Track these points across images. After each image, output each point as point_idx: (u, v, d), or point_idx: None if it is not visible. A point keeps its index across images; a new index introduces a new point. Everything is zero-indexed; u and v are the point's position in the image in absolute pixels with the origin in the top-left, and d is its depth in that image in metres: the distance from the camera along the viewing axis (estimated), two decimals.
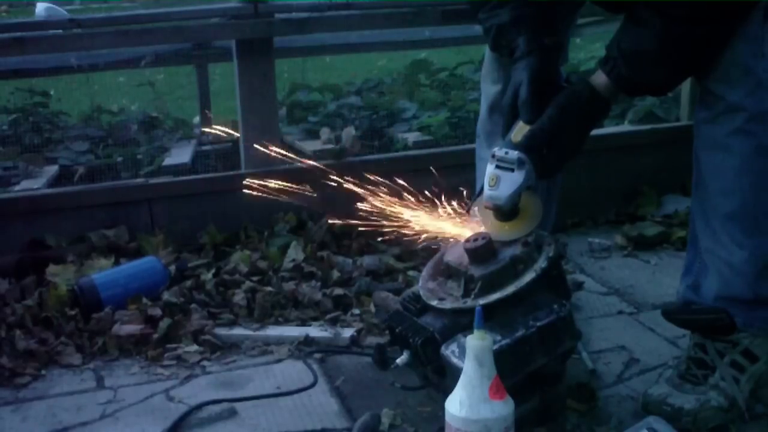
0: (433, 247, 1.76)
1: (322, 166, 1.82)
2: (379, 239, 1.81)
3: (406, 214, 1.78)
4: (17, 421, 1.79)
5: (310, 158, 1.87)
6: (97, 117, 4.15)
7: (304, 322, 2.16)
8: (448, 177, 1.83)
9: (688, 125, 2.15)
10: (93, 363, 2.02)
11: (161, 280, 2.25)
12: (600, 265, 2.55)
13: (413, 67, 4.87)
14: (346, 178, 1.86)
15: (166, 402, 1.84)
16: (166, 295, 2.19)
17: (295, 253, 2.41)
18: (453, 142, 3.38)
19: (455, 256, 1.67)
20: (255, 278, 2.30)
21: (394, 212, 1.78)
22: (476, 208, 1.72)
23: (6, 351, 1.99)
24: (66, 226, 2.48)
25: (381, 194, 1.81)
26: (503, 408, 1.38)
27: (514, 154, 1.59)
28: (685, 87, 2.97)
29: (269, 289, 2.24)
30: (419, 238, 1.77)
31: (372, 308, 2.19)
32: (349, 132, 3.39)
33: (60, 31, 2.52)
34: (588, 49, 4.89)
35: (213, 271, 2.33)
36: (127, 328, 2.08)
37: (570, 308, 1.62)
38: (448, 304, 1.62)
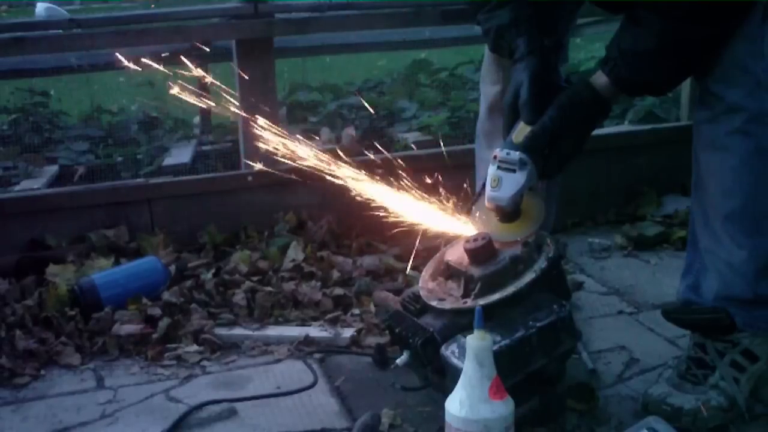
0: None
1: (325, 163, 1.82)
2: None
3: (408, 212, 1.77)
4: (17, 421, 1.79)
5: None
6: (97, 117, 4.15)
7: (304, 322, 2.16)
8: (448, 177, 1.83)
9: (688, 125, 2.15)
10: (93, 363, 2.02)
11: (161, 280, 2.25)
12: (600, 265, 2.55)
13: (413, 67, 4.88)
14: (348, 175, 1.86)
15: (166, 402, 1.84)
16: (166, 295, 2.19)
17: (295, 253, 2.41)
18: (453, 142, 3.38)
19: (455, 256, 1.67)
20: (255, 278, 2.30)
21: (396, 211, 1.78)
22: (477, 209, 1.72)
23: (6, 351, 1.99)
24: (66, 226, 2.48)
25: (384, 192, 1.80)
26: (503, 408, 1.39)
27: (515, 154, 1.59)
28: (685, 87, 2.97)
29: (269, 289, 2.24)
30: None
31: (372, 308, 2.19)
32: (349, 132, 3.39)
33: (60, 31, 2.52)
34: (588, 49, 4.89)
35: (213, 271, 2.32)
36: (127, 328, 2.08)
37: (570, 308, 1.63)
38: (448, 304, 1.62)
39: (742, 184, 1.63)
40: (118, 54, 2.11)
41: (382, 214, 1.79)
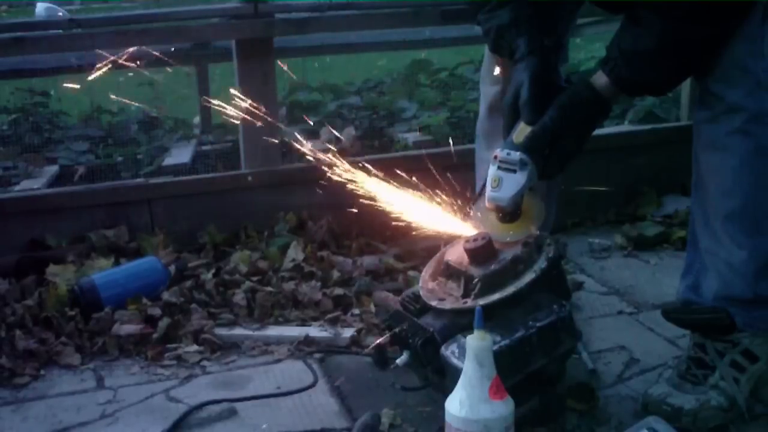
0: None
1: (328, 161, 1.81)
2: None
3: (409, 212, 1.77)
4: (17, 421, 1.79)
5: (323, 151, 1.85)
6: (97, 117, 4.16)
7: (304, 322, 2.16)
8: (447, 177, 1.83)
9: (688, 125, 2.15)
10: (93, 363, 2.02)
11: (161, 280, 2.25)
12: (600, 265, 2.55)
13: (413, 67, 4.88)
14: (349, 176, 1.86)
15: (166, 402, 1.84)
16: (166, 295, 2.19)
17: (295, 253, 2.41)
18: (452, 142, 3.38)
19: (455, 256, 1.67)
20: (255, 278, 2.30)
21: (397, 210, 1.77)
22: (477, 209, 1.72)
23: (6, 351, 1.99)
24: (66, 226, 2.48)
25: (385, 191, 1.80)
26: (503, 408, 1.39)
27: (515, 155, 1.59)
28: (685, 87, 2.97)
29: (269, 289, 2.24)
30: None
31: (372, 308, 2.19)
32: (349, 132, 3.40)
33: (60, 31, 2.52)
34: (588, 49, 4.89)
35: (213, 271, 2.33)
36: (127, 328, 2.08)
37: (570, 308, 1.63)
38: (448, 305, 1.62)
39: (742, 184, 1.62)
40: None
41: (382, 213, 1.79)
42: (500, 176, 1.60)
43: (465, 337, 1.43)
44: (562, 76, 1.82)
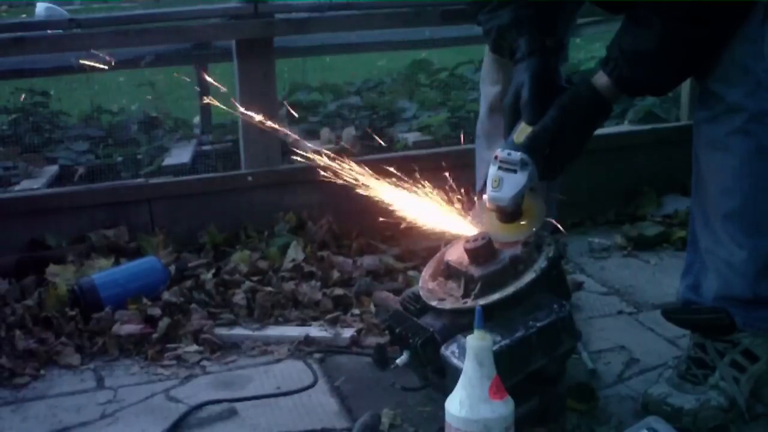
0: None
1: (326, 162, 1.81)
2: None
3: (409, 212, 1.77)
4: (17, 421, 1.79)
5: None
6: (97, 117, 4.16)
7: (304, 322, 2.16)
8: (447, 177, 1.83)
9: (688, 125, 2.15)
10: (93, 363, 2.02)
11: (161, 280, 2.25)
12: (600, 265, 2.55)
13: (413, 67, 4.88)
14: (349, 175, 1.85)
15: (166, 402, 1.84)
16: (166, 295, 2.19)
17: (295, 253, 2.41)
18: (453, 142, 3.38)
19: (455, 256, 1.67)
20: (255, 278, 2.30)
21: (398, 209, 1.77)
22: (477, 209, 1.72)
23: (6, 351, 1.99)
24: (66, 226, 2.48)
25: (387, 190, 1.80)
26: (503, 408, 1.38)
27: (516, 155, 1.59)
28: (685, 87, 2.97)
29: (269, 289, 2.24)
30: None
31: (372, 308, 2.19)
32: (349, 132, 3.40)
33: (60, 31, 2.52)
34: (588, 49, 4.90)
35: (213, 271, 2.33)
36: (127, 328, 2.08)
37: (570, 308, 1.63)
38: (448, 305, 1.62)
39: (742, 184, 1.62)
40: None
41: (382, 214, 1.79)
42: (501, 176, 1.60)
43: (465, 337, 1.43)
44: (563, 76, 1.82)
